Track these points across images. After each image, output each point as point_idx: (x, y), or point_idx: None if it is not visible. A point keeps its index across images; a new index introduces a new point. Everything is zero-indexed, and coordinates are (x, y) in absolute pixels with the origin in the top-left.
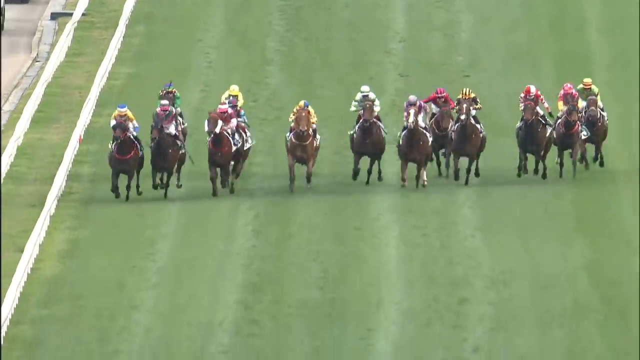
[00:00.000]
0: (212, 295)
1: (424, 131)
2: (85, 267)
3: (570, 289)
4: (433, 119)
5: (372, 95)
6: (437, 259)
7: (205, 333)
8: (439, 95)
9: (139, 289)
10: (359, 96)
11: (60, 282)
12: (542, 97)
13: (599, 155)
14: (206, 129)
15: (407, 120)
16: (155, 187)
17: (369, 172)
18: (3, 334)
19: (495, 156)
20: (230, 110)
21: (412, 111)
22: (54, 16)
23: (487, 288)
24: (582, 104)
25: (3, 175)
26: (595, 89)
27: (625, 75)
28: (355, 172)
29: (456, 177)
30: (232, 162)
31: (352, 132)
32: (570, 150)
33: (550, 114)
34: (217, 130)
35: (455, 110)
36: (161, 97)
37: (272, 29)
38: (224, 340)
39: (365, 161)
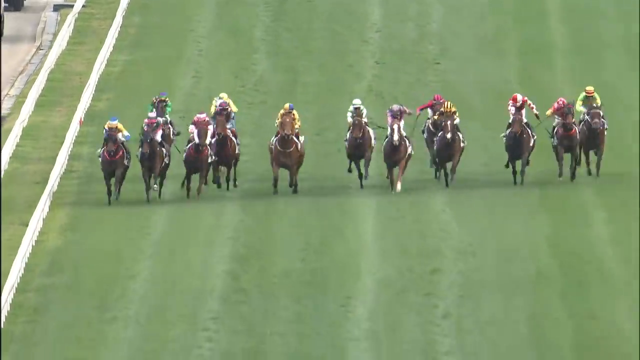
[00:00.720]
0: (202, 265)
1: (404, 142)
2: (85, 240)
3: (532, 259)
4: (430, 122)
5: (362, 108)
6: (410, 232)
7: (196, 300)
8: (436, 101)
9: (135, 260)
10: (351, 108)
11: (62, 254)
12: (529, 102)
13: (599, 162)
14: (195, 136)
15: (392, 136)
16: (148, 188)
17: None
18: (9, 301)
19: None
20: (207, 118)
21: (395, 127)
22: (56, 8)
23: (457, 259)
24: (580, 108)
25: (9, 155)
26: (597, 97)
27: (584, 61)
28: (350, 170)
29: (447, 179)
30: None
31: (345, 139)
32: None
33: (537, 117)
34: (207, 141)
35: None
36: (153, 104)
37: (259, 20)
38: (213, 307)
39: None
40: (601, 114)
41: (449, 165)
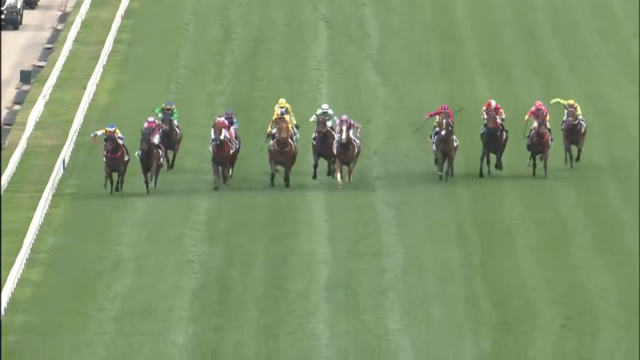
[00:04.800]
0: (183, 217)
1: (353, 141)
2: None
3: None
4: (436, 127)
5: (330, 112)
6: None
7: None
8: (443, 110)
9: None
10: (319, 111)
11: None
12: (500, 109)
13: (578, 154)
14: (213, 136)
15: (341, 136)
16: (146, 182)
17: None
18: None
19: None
20: (226, 122)
21: (344, 128)
22: None
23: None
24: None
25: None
26: (577, 106)
27: (494, 48)
28: (315, 167)
29: (442, 177)
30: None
31: (312, 138)
32: (540, 155)
33: (502, 120)
34: (222, 137)
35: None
36: (162, 111)
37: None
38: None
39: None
40: (576, 113)
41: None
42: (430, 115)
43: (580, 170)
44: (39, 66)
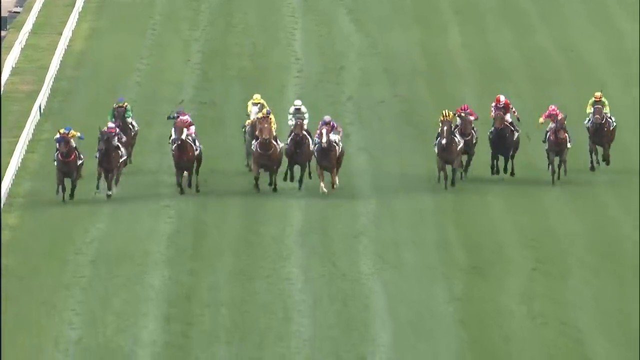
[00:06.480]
0: (157, 163)
1: (334, 145)
2: None
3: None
4: (457, 128)
5: (303, 109)
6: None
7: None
8: (463, 110)
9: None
10: (292, 109)
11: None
12: (510, 104)
13: (607, 155)
14: (173, 136)
15: (321, 139)
16: (108, 186)
17: (300, 180)
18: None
19: None
20: (189, 119)
21: (324, 131)
22: None
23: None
24: (589, 109)
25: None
26: (605, 100)
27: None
28: (286, 174)
29: (445, 179)
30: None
31: (285, 143)
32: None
33: (518, 119)
34: (183, 137)
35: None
36: (114, 110)
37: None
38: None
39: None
40: (603, 111)
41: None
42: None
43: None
44: (15, 12)
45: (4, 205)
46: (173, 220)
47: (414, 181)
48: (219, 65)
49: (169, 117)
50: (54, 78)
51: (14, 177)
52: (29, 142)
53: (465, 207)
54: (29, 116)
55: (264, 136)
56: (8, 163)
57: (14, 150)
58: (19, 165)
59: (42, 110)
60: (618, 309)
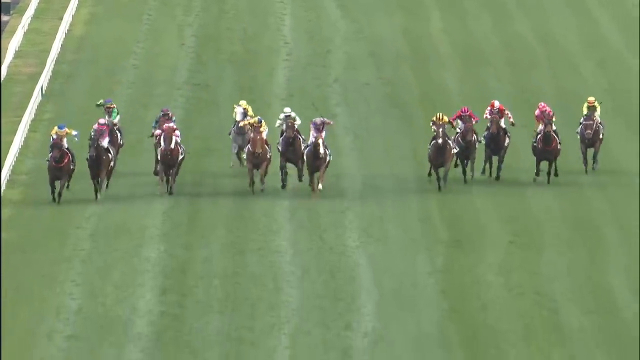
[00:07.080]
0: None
1: (323, 149)
2: None
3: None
4: (459, 133)
5: (293, 114)
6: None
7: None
8: (464, 113)
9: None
10: (282, 116)
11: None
12: (505, 109)
13: (596, 154)
14: (163, 145)
15: (315, 142)
16: (95, 189)
17: (299, 175)
18: None
19: None
20: (174, 125)
21: (320, 141)
22: None
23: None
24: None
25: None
26: (597, 105)
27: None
28: (281, 169)
29: (437, 180)
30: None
31: (277, 143)
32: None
33: (512, 124)
34: (172, 146)
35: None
36: (104, 110)
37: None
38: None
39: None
40: (595, 118)
41: (441, 170)
42: (453, 120)
43: (527, 100)
44: None
45: (7, 182)
46: (168, 196)
47: (398, 160)
48: (212, 49)
49: (154, 126)
50: (55, 61)
51: (17, 155)
52: (31, 121)
53: (447, 185)
54: (31, 97)
55: (256, 150)
56: (12, 142)
57: (17, 129)
58: (22, 143)
59: (44, 92)
60: (590, 280)
